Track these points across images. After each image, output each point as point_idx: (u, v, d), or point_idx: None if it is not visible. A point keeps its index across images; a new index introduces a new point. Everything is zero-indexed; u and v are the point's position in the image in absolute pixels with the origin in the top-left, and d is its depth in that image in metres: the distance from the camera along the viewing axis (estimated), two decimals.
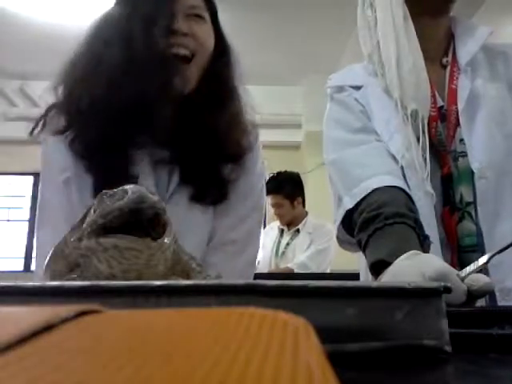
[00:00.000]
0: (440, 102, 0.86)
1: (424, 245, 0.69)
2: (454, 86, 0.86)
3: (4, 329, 0.13)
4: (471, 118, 0.85)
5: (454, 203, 0.82)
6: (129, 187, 0.33)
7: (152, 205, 0.32)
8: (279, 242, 2.95)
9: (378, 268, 0.64)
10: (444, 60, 0.89)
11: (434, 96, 0.85)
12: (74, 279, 0.33)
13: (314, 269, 2.74)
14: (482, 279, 0.52)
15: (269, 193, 2.90)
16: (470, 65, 0.87)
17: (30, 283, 0.28)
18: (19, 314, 0.16)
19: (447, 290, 0.28)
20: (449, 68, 0.88)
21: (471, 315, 0.38)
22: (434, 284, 0.28)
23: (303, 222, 2.91)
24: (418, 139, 0.81)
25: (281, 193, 2.89)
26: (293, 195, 2.90)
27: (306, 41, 4.19)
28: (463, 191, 0.82)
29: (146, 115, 0.74)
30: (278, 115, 4.86)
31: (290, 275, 2.59)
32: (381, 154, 0.83)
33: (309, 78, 4.83)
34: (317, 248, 2.79)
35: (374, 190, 0.76)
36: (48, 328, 0.13)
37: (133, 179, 0.74)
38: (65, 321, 0.14)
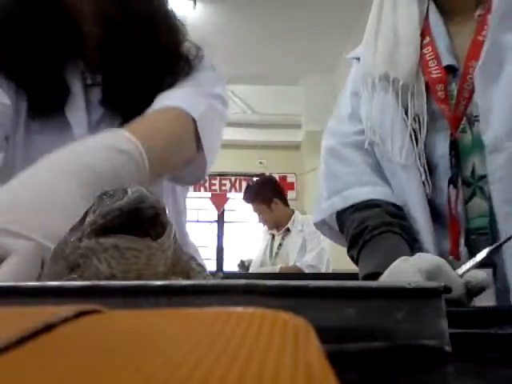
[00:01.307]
0: (448, 61, 0.74)
1: (414, 249, 0.69)
2: (480, 38, 0.72)
3: (4, 329, 0.13)
4: (490, 76, 0.70)
5: (463, 177, 0.71)
6: (128, 187, 0.33)
7: (152, 205, 0.32)
8: (272, 244, 3.01)
9: (371, 279, 0.64)
10: (476, 14, 0.75)
11: (436, 57, 0.75)
12: (74, 279, 0.33)
13: (324, 268, 2.78)
14: (480, 275, 0.52)
15: (247, 202, 2.96)
16: (503, 12, 0.70)
17: (30, 283, 0.28)
18: (19, 313, 0.16)
19: (447, 289, 0.28)
20: (481, 19, 0.74)
21: (471, 315, 0.38)
22: (434, 284, 0.28)
23: (291, 220, 2.94)
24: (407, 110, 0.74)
25: (255, 200, 2.94)
26: (267, 199, 2.93)
27: (306, 41, 4.20)
28: (476, 162, 0.70)
29: (70, 32, 0.71)
30: (278, 115, 4.86)
31: (289, 275, 2.60)
32: (357, 158, 0.80)
33: (309, 77, 4.84)
34: (321, 247, 2.82)
35: (353, 206, 0.76)
36: (48, 328, 0.13)
37: (65, 96, 0.72)
38: (65, 321, 0.14)
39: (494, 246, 0.56)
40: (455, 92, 0.72)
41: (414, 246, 0.69)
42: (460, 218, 0.70)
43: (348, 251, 0.75)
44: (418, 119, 0.74)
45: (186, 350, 0.11)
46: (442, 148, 0.73)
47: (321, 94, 4.81)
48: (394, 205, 0.75)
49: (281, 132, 4.97)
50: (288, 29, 4.03)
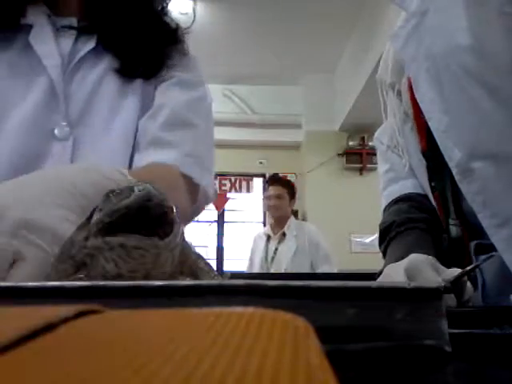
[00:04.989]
0: None
1: (441, 243, 0.68)
2: None
3: (4, 329, 0.13)
4: (413, 58, 0.59)
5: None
6: (135, 185, 0.33)
7: (159, 203, 0.32)
8: (267, 247, 3.05)
9: None
10: None
11: None
12: (80, 279, 0.33)
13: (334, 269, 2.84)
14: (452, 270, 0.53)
15: (273, 184, 3.02)
16: None
17: (30, 283, 0.28)
18: (19, 313, 0.16)
19: (447, 290, 0.28)
20: None
21: (471, 315, 0.38)
22: (434, 284, 0.28)
23: (288, 223, 3.00)
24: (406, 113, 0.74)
25: (285, 187, 3.03)
26: (292, 194, 3.04)
27: (306, 41, 4.20)
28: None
29: None
30: (278, 115, 4.86)
31: (289, 275, 2.62)
32: (392, 155, 0.82)
33: (308, 78, 4.84)
34: (330, 262, 2.88)
35: (389, 203, 0.77)
36: (48, 328, 0.13)
37: (26, 30, 0.66)
38: (65, 321, 0.14)
39: (473, 265, 0.56)
40: None
41: (440, 240, 0.69)
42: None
43: (379, 246, 0.75)
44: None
45: (185, 350, 0.11)
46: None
47: (321, 94, 4.81)
48: (425, 197, 0.75)
49: (281, 132, 4.97)
50: (288, 29, 4.02)
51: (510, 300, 0.58)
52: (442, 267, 0.56)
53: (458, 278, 0.52)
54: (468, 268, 0.54)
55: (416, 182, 0.77)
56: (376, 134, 0.89)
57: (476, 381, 0.25)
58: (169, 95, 0.71)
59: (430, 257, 0.57)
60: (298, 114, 4.91)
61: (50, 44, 0.67)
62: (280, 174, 5.08)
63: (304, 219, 4.60)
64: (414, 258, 0.57)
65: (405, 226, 0.70)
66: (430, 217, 0.72)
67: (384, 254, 0.73)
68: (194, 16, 0.84)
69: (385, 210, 0.79)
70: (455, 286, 0.51)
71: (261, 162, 5.10)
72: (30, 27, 0.67)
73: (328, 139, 4.70)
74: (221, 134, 4.84)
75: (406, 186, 0.77)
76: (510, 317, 0.36)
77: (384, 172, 0.82)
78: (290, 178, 5.06)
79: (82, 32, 0.70)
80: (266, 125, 4.87)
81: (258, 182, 5.17)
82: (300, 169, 4.94)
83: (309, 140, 4.80)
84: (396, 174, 0.79)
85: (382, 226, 0.74)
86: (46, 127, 0.65)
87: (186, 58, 0.78)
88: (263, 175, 5.14)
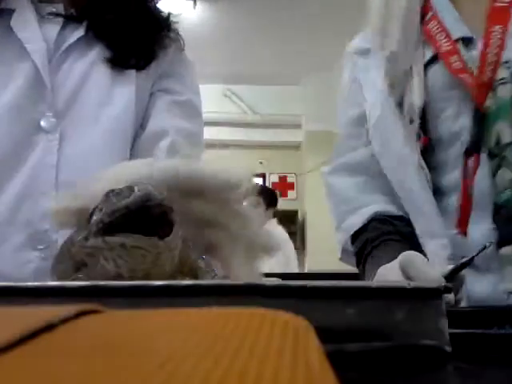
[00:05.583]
0: (462, 33, 0.72)
1: (419, 250, 0.68)
2: (499, 4, 0.70)
3: (4, 329, 0.13)
4: None
5: (489, 148, 0.66)
6: (135, 185, 0.33)
7: (159, 203, 0.32)
8: None
9: None
10: None
11: (443, 30, 0.72)
12: (80, 279, 0.33)
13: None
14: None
15: None
16: None
17: (30, 283, 0.28)
18: (19, 313, 0.16)
19: (447, 290, 0.28)
20: None
21: (471, 315, 0.38)
22: (434, 284, 0.28)
23: None
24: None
25: (260, 194, 3.06)
26: (269, 202, 3.14)
27: (306, 41, 4.19)
28: (502, 129, 0.65)
29: None
30: (278, 115, 4.86)
31: (290, 275, 2.63)
32: (341, 185, 0.79)
33: (308, 77, 4.83)
34: (285, 256, 2.96)
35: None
36: (48, 328, 0.13)
37: (7, 14, 0.64)
38: (65, 321, 0.14)
39: (479, 250, 0.56)
40: (468, 60, 0.69)
41: (418, 249, 0.68)
42: (483, 193, 0.65)
43: (357, 267, 0.75)
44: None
45: (185, 350, 0.11)
46: (462, 121, 0.69)
47: (321, 94, 4.80)
48: (392, 215, 0.73)
49: (281, 132, 4.96)
50: (288, 29, 4.02)
51: (510, 300, 0.58)
52: (436, 265, 0.56)
53: (453, 271, 0.52)
54: (462, 261, 0.53)
55: (381, 202, 0.74)
56: (348, 49, 0.87)
57: (476, 381, 0.25)
58: (170, 118, 0.71)
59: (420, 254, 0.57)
60: (298, 114, 4.90)
61: (32, 28, 0.65)
62: (280, 174, 5.09)
63: (304, 219, 4.60)
64: (407, 253, 0.56)
65: (378, 240, 0.69)
66: (404, 228, 0.70)
67: (362, 272, 0.71)
68: (195, 4, 0.83)
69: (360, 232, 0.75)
70: (451, 279, 0.50)
71: (261, 162, 5.10)
72: (11, 12, 0.65)
73: (328, 139, 4.69)
74: (221, 134, 4.83)
75: (369, 213, 0.73)
76: (510, 317, 0.36)
77: (335, 206, 0.79)
78: (289, 177, 5.07)
79: (69, 20, 0.68)
80: (266, 125, 4.87)
81: (257, 182, 5.18)
82: (300, 169, 4.94)
83: (309, 140, 4.80)
84: (348, 207, 0.76)
85: (356, 248, 0.73)
86: (31, 117, 0.63)
87: (182, 60, 0.76)
88: (263, 175, 5.14)
